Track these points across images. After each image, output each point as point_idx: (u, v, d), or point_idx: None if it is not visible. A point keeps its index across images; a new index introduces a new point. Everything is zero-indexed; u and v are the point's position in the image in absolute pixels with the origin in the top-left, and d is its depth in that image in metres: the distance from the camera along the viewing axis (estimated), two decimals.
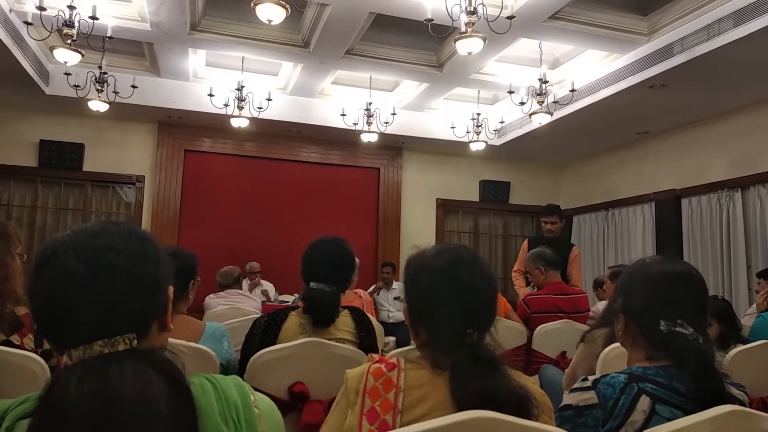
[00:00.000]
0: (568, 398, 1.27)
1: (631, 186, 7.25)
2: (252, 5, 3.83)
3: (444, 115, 7.09)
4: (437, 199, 8.21)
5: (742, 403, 1.23)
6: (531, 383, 1.21)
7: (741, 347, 2.26)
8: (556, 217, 4.59)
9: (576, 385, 1.28)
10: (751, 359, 2.25)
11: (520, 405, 1.08)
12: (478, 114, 6.52)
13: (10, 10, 4.83)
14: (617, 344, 1.96)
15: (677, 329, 1.28)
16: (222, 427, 0.78)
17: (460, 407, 1.06)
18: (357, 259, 2.37)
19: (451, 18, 3.87)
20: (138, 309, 0.80)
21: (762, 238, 5.61)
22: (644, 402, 1.20)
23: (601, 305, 4.09)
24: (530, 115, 5.44)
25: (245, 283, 6.32)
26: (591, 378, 1.28)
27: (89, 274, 0.77)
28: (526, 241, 4.86)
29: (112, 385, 0.70)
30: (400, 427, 1.07)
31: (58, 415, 0.69)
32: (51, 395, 0.71)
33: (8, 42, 4.89)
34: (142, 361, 0.74)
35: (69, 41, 4.28)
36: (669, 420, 1.15)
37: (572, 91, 5.34)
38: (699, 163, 6.34)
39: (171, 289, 0.87)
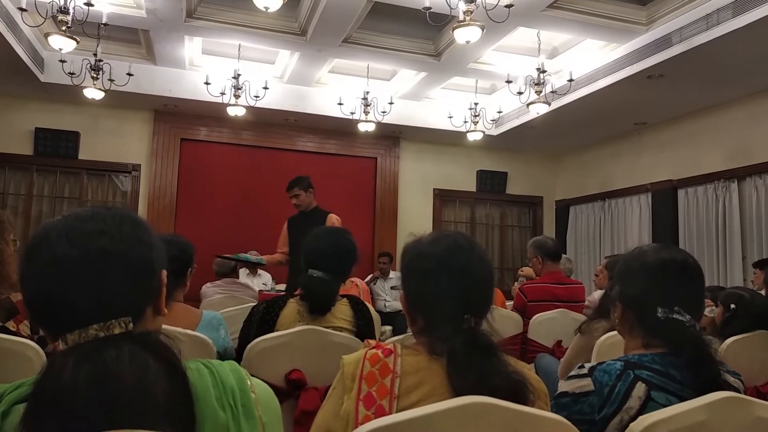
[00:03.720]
0: (564, 385, 1.28)
1: (627, 177, 7.25)
2: None
3: (441, 104, 7.07)
4: (434, 189, 8.20)
5: (737, 391, 1.23)
6: (527, 369, 1.21)
7: (737, 336, 2.27)
8: (296, 189, 4.38)
9: (572, 373, 1.29)
10: (746, 349, 2.26)
11: (517, 391, 1.08)
12: (476, 104, 6.50)
13: None
14: (613, 333, 1.97)
15: (674, 316, 1.28)
16: (219, 412, 0.78)
17: (457, 393, 1.06)
18: None
19: (450, 6, 3.85)
20: (131, 293, 0.79)
21: (758, 229, 5.63)
22: (640, 389, 1.21)
23: (597, 294, 4.10)
24: (528, 104, 5.42)
25: (243, 272, 6.31)
26: (587, 365, 1.29)
27: (81, 259, 0.77)
28: (287, 221, 4.63)
29: (109, 368, 0.69)
30: (397, 412, 1.07)
31: (54, 399, 0.68)
32: (47, 379, 0.70)
33: (2, 28, 4.84)
34: (139, 344, 0.74)
35: (64, 28, 4.24)
36: (664, 406, 1.15)
37: (570, 80, 5.32)
38: (695, 154, 6.34)
39: (164, 273, 0.87)
